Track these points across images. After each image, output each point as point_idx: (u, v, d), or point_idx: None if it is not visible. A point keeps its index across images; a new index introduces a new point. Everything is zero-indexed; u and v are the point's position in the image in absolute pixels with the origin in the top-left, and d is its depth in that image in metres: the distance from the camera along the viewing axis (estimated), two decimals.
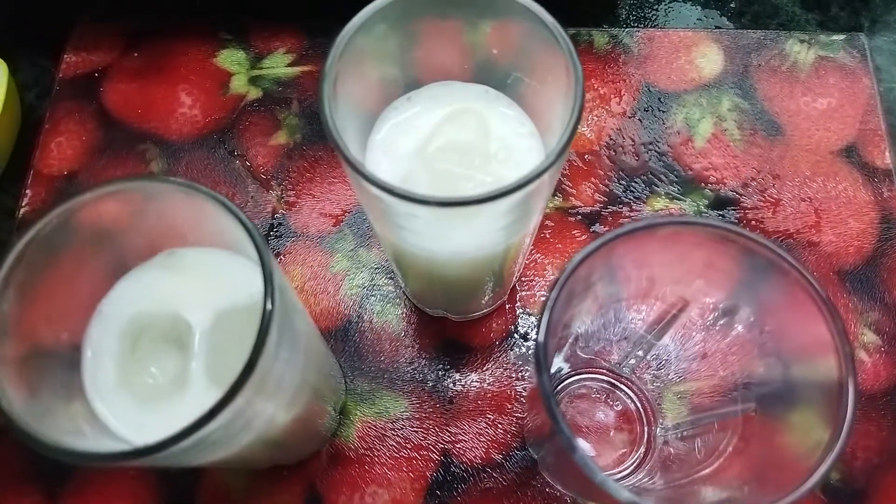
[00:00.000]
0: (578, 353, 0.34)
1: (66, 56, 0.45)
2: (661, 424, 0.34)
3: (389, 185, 0.22)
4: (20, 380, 0.22)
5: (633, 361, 0.34)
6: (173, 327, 0.25)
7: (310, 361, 0.27)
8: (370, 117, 0.27)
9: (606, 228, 0.40)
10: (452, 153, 0.27)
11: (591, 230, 0.40)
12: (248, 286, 0.26)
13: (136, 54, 0.45)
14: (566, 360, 0.35)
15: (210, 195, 0.22)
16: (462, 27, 0.27)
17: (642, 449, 0.35)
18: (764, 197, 0.40)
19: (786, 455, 0.23)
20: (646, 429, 0.35)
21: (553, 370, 0.35)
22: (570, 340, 0.33)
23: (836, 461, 0.19)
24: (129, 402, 0.25)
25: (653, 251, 0.25)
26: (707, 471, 0.27)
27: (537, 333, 0.21)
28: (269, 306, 0.21)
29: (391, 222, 0.26)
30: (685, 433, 0.31)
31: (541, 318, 0.21)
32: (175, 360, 0.25)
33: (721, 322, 0.28)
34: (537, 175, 0.22)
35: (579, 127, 0.42)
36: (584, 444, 0.35)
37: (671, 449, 0.32)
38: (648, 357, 0.33)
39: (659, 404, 0.35)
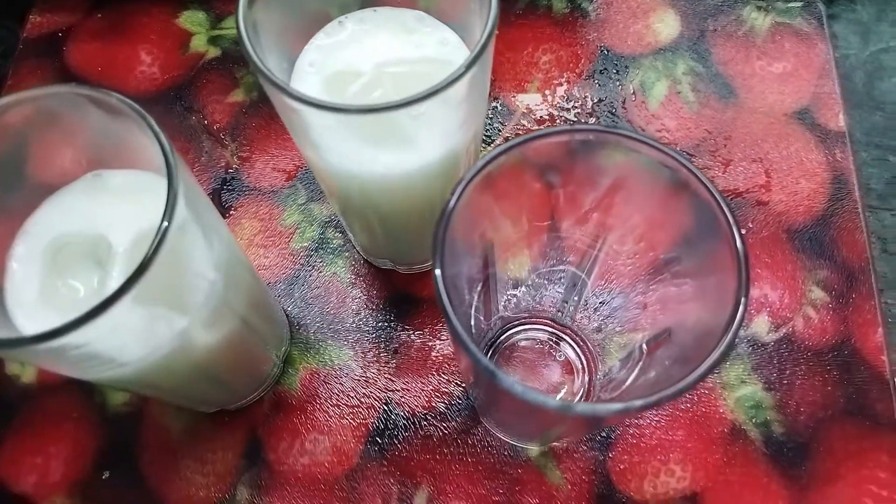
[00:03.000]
0: (520, 300, 0.35)
1: (31, 17, 0.45)
2: (601, 370, 0.34)
3: (307, 96, 0.23)
4: None
5: (571, 308, 0.34)
6: (95, 246, 0.26)
7: (235, 286, 0.28)
8: (298, 41, 0.28)
9: None
10: (384, 72, 0.27)
11: None
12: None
13: (99, 15, 0.45)
14: (506, 307, 0.35)
15: (123, 102, 0.23)
16: None
17: (581, 398, 0.35)
18: (714, 157, 0.41)
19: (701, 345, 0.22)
20: (586, 378, 0.35)
21: (496, 319, 0.35)
22: (510, 286, 0.33)
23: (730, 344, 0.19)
24: (50, 316, 0.25)
25: (579, 171, 0.25)
26: (630, 380, 0.27)
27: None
28: (166, 222, 0.21)
29: (315, 144, 0.26)
30: (619, 371, 0.31)
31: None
32: (95, 277, 0.25)
33: (661, 272, 0.28)
34: (451, 82, 0.23)
35: (534, 85, 0.42)
36: None
37: (608, 390, 0.32)
38: (584, 301, 0.33)
39: (601, 354, 0.35)
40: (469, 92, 0.25)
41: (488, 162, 0.22)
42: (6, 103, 0.23)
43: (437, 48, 0.28)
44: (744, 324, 0.37)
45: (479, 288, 0.30)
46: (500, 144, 0.41)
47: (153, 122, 0.23)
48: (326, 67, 0.27)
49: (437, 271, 0.21)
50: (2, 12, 0.46)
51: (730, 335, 0.19)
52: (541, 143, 0.23)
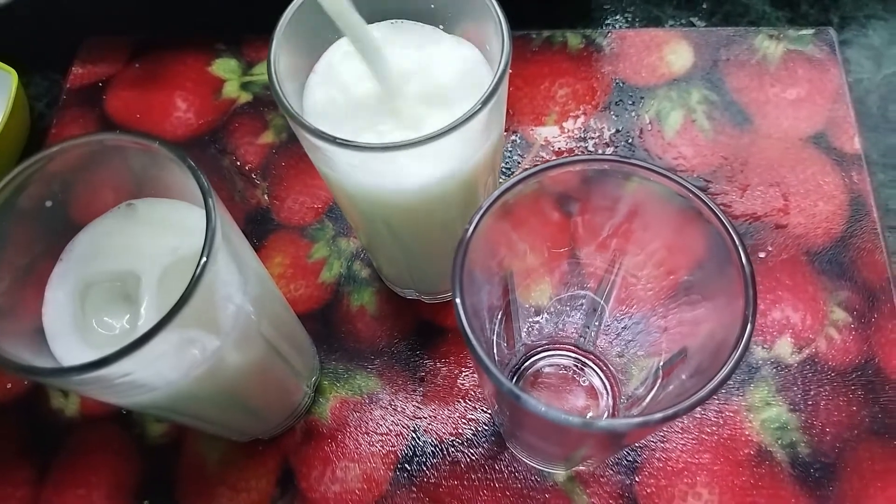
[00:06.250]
0: (543, 327, 0.35)
1: (73, 68, 0.48)
2: (625, 394, 0.35)
3: (329, 135, 0.24)
4: None
5: (592, 333, 0.35)
6: (124, 281, 0.27)
7: (263, 310, 0.29)
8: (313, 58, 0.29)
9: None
10: (406, 87, 0.28)
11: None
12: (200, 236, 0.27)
13: (137, 65, 0.48)
14: (529, 334, 0.36)
15: (164, 146, 0.25)
16: None
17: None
18: (732, 183, 0.41)
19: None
20: (610, 401, 0.36)
21: (519, 346, 0.36)
22: (532, 313, 0.34)
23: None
24: (83, 348, 0.26)
25: (595, 199, 0.26)
26: (649, 398, 0.27)
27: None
28: (205, 258, 0.22)
29: (338, 177, 0.27)
30: (640, 392, 0.32)
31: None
32: (125, 312, 0.27)
33: (679, 295, 0.29)
34: (468, 118, 0.24)
35: (552, 118, 0.44)
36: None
37: (631, 412, 0.33)
38: (606, 326, 0.34)
39: (624, 378, 0.35)
40: (486, 125, 0.26)
41: (504, 191, 0.23)
42: (52, 152, 0.25)
43: (459, 60, 0.29)
44: (767, 346, 0.37)
45: (500, 315, 0.31)
46: None
47: (194, 166, 0.24)
48: (342, 79, 0.28)
49: (457, 299, 0.22)
50: (47, 64, 0.49)
51: (740, 349, 0.20)
52: (555, 173, 0.24)
